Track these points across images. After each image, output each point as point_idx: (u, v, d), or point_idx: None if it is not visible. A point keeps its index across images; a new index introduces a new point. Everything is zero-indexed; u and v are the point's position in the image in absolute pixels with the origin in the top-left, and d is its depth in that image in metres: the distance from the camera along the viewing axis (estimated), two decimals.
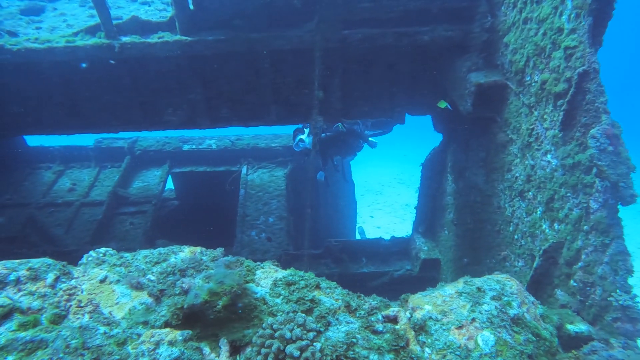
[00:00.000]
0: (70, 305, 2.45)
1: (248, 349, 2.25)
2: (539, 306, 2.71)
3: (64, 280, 2.63)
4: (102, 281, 2.61)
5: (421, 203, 6.83)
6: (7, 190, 7.40)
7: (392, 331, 2.36)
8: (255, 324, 2.34)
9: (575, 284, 3.23)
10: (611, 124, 3.00)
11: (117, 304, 2.50)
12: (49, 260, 2.72)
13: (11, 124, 5.52)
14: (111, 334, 2.20)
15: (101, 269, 2.69)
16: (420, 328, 2.42)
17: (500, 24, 4.36)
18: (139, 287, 2.55)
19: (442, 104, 5.09)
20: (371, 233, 14.37)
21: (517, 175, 4.16)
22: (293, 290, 2.54)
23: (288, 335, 2.15)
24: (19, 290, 2.50)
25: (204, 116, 5.50)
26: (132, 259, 2.77)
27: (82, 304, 2.46)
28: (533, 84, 3.79)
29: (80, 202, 7.31)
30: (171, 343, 2.15)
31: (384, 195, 20.15)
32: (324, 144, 6.98)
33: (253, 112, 5.55)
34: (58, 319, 2.36)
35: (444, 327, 2.39)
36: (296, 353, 2.08)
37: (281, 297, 2.52)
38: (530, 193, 3.92)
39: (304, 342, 2.14)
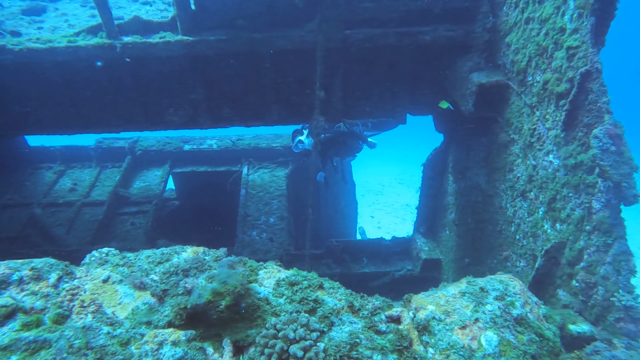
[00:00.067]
0: (73, 305, 2.45)
1: (251, 349, 2.25)
2: (542, 306, 2.70)
3: (66, 280, 2.63)
4: (105, 281, 2.61)
5: (422, 203, 6.83)
6: (8, 190, 7.39)
7: (395, 331, 2.36)
8: (259, 324, 2.34)
9: (577, 284, 3.22)
10: (614, 123, 3.00)
11: (120, 304, 2.50)
12: (52, 260, 2.72)
13: (13, 124, 5.52)
14: (114, 334, 2.20)
15: (104, 269, 2.69)
16: (424, 328, 2.42)
17: (502, 24, 4.36)
18: (142, 287, 2.55)
19: (444, 105, 5.08)
20: (372, 233, 14.36)
21: (518, 175, 4.16)
22: (296, 291, 2.54)
23: (291, 335, 2.15)
24: (22, 290, 2.50)
25: (205, 116, 5.50)
26: (135, 259, 2.77)
27: (85, 304, 2.46)
28: (535, 84, 3.79)
29: (81, 202, 7.31)
30: (174, 343, 2.15)
31: (385, 196, 20.15)
32: (323, 145, 6.99)
33: (254, 112, 5.55)
34: (61, 319, 2.36)
35: (447, 328, 2.39)
36: (300, 353, 2.08)
37: (284, 297, 2.52)
38: (532, 193, 3.92)
39: (307, 343, 2.14)
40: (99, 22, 4.81)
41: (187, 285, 2.33)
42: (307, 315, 2.33)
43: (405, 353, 2.26)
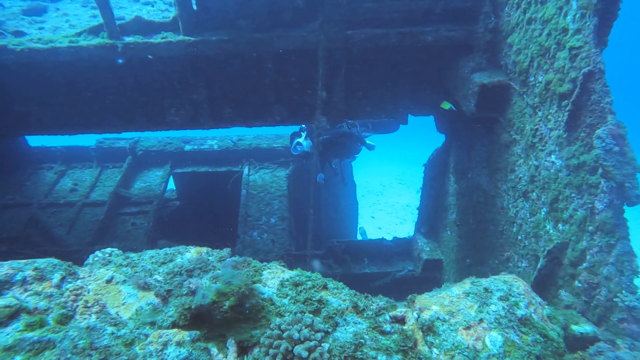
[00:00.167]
0: (77, 306, 2.44)
1: (256, 350, 2.24)
2: (546, 307, 2.70)
3: (69, 280, 2.63)
4: (108, 281, 2.61)
5: (423, 203, 6.83)
6: (9, 190, 7.39)
7: (400, 332, 2.36)
8: (263, 324, 2.34)
9: (580, 285, 3.23)
10: (617, 124, 3.00)
11: (124, 304, 2.49)
12: (55, 261, 2.72)
13: (14, 124, 5.51)
14: (119, 334, 2.20)
15: (107, 270, 2.69)
16: (428, 329, 2.42)
17: (504, 24, 4.36)
18: (145, 287, 2.54)
19: (446, 105, 5.08)
20: (372, 234, 14.37)
21: (520, 175, 4.15)
22: (300, 291, 2.54)
23: (296, 335, 2.15)
24: (25, 290, 2.50)
25: (206, 116, 5.49)
26: (139, 260, 2.77)
27: (88, 304, 2.45)
28: (537, 85, 3.79)
29: (82, 203, 7.30)
30: (179, 344, 2.15)
31: (385, 196, 20.16)
32: (322, 147, 6.99)
33: (256, 112, 5.54)
34: (65, 319, 2.36)
35: (451, 328, 2.39)
36: (304, 354, 2.08)
37: (288, 297, 2.52)
38: (534, 193, 3.92)
39: (312, 343, 2.14)
40: (100, 22, 4.80)
41: (191, 285, 2.33)
42: (311, 315, 2.33)
43: (410, 353, 2.26)
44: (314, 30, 4.74)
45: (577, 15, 3.24)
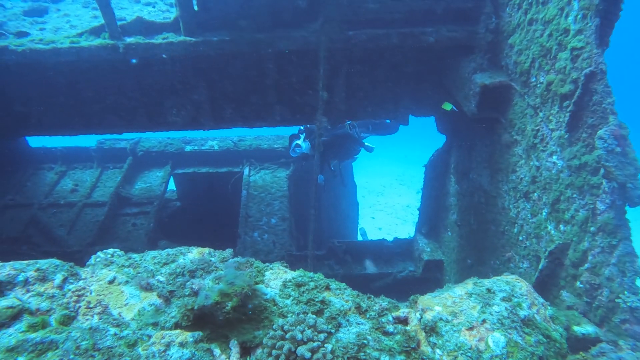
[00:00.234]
0: (80, 307, 2.44)
1: (258, 351, 2.24)
2: (549, 307, 2.70)
3: (71, 281, 2.63)
4: (110, 282, 2.61)
5: (424, 204, 6.83)
6: (9, 191, 7.39)
7: (403, 332, 2.36)
8: (266, 325, 2.34)
9: (581, 286, 3.22)
10: (618, 125, 3.00)
11: (126, 305, 2.49)
12: (57, 261, 2.72)
13: (15, 125, 5.52)
14: (121, 335, 2.20)
15: (110, 270, 2.69)
16: (431, 329, 2.42)
17: (505, 25, 4.36)
18: (148, 288, 2.54)
19: (447, 106, 5.08)
20: (373, 234, 14.38)
21: (522, 176, 4.16)
22: (303, 292, 2.54)
23: (299, 336, 2.15)
24: (28, 291, 2.50)
25: (208, 117, 5.50)
26: (141, 260, 2.77)
27: (91, 305, 2.45)
28: (538, 85, 3.79)
29: (82, 203, 7.29)
30: (182, 344, 2.15)
31: (385, 197, 20.16)
32: (321, 148, 6.99)
33: (257, 112, 5.55)
34: (67, 320, 2.35)
35: (454, 329, 2.39)
36: (307, 354, 2.08)
37: (291, 298, 2.52)
38: (535, 194, 3.92)
39: (315, 344, 2.14)
40: (101, 23, 4.81)
41: (193, 286, 2.33)
42: (314, 316, 2.33)
43: (413, 354, 2.26)
44: (315, 31, 4.74)
45: (579, 16, 3.24)
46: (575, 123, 3.30)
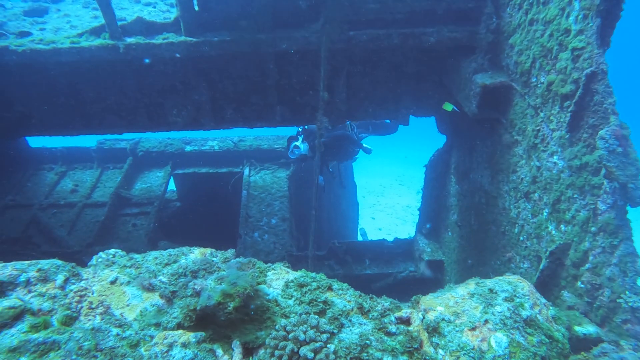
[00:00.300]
0: (81, 307, 2.44)
1: (261, 351, 2.24)
2: (551, 308, 2.70)
3: (73, 281, 2.62)
4: (112, 282, 2.61)
5: (425, 204, 6.84)
6: (9, 191, 7.38)
7: (405, 333, 2.36)
8: (268, 325, 2.34)
9: (582, 286, 3.22)
10: (620, 125, 3.00)
11: (128, 305, 2.49)
12: (59, 262, 2.71)
13: (16, 125, 5.51)
14: (124, 335, 2.19)
15: (111, 271, 2.69)
16: (434, 330, 2.42)
17: (505, 25, 4.36)
18: (150, 288, 2.54)
19: (448, 107, 5.08)
20: (373, 235, 14.38)
21: (522, 176, 4.16)
22: (305, 292, 2.54)
23: (302, 337, 2.15)
24: (29, 291, 2.49)
25: (208, 117, 5.49)
26: (142, 261, 2.77)
27: (93, 306, 2.45)
28: (539, 86, 3.79)
29: (82, 203, 7.29)
30: (184, 345, 2.14)
31: (385, 197, 20.17)
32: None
33: (258, 113, 5.55)
34: (69, 320, 2.35)
35: (457, 329, 2.39)
36: (310, 355, 2.08)
37: (293, 298, 2.52)
38: (536, 194, 3.92)
39: (317, 344, 2.14)
40: (101, 23, 4.81)
41: (196, 286, 2.33)
42: (316, 316, 2.33)
43: (416, 354, 2.26)
44: (316, 31, 4.74)
45: (580, 16, 3.25)
46: (576, 123, 3.30)
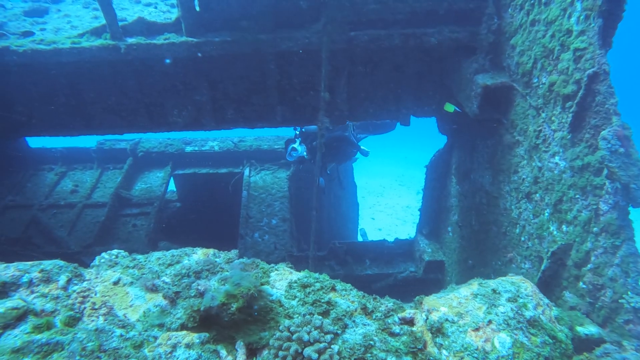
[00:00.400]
0: (85, 308, 2.44)
1: (265, 352, 2.24)
2: (554, 308, 2.71)
3: (76, 282, 2.62)
4: (115, 283, 2.60)
5: (425, 205, 6.83)
6: (10, 192, 7.37)
7: (409, 333, 2.36)
8: (272, 326, 2.34)
9: (584, 286, 3.22)
10: (622, 125, 3.00)
11: (131, 306, 2.49)
12: (61, 262, 2.71)
13: (16, 125, 5.50)
14: (127, 336, 2.19)
15: (114, 271, 2.68)
16: (437, 330, 2.42)
17: (507, 25, 4.37)
18: (153, 289, 2.53)
19: (450, 108, 5.08)
20: (373, 235, 14.39)
21: (523, 177, 4.16)
22: (309, 293, 2.53)
23: (306, 337, 2.15)
24: (32, 292, 2.49)
25: (209, 117, 5.49)
26: (145, 261, 2.76)
27: (96, 306, 2.45)
28: (541, 86, 3.80)
29: (82, 204, 7.28)
30: (188, 346, 2.14)
31: (385, 198, 20.18)
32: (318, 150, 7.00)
33: (259, 113, 5.55)
34: (72, 321, 2.35)
35: (460, 329, 2.39)
36: (314, 356, 2.07)
37: (297, 299, 2.52)
38: (537, 195, 3.92)
39: (321, 345, 2.14)
40: (102, 23, 4.80)
41: (199, 287, 2.32)
42: (320, 317, 2.33)
43: (420, 355, 2.26)
44: (317, 32, 4.74)
45: (582, 17, 3.25)
46: (578, 124, 3.31)
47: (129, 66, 5.10)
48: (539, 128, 3.84)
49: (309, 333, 2.17)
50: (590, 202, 3.19)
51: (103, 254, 2.86)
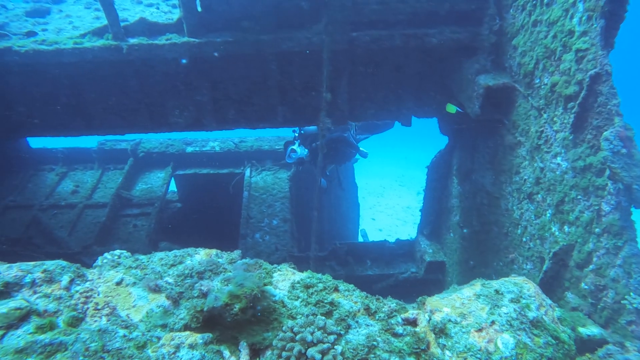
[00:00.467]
0: (87, 308, 2.44)
1: (268, 352, 2.24)
2: (557, 309, 2.71)
3: (78, 282, 2.62)
4: (118, 284, 2.60)
5: (426, 205, 6.83)
6: (10, 192, 7.36)
7: (412, 334, 2.36)
8: (275, 326, 2.33)
9: (586, 287, 3.22)
10: (624, 126, 3.00)
11: (134, 306, 2.48)
12: (64, 263, 2.71)
13: (17, 125, 5.50)
14: (130, 337, 2.19)
15: (117, 272, 2.68)
16: (441, 331, 2.42)
17: (508, 26, 4.37)
18: (156, 289, 2.53)
19: (452, 109, 5.08)
20: (373, 235, 14.38)
21: (525, 177, 4.16)
22: (312, 293, 2.53)
23: (309, 338, 2.15)
24: (35, 292, 2.49)
25: (210, 118, 5.49)
26: (148, 262, 2.76)
27: (99, 307, 2.45)
28: (542, 87, 3.80)
29: (83, 204, 7.28)
30: (191, 346, 2.14)
31: (386, 198, 20.18)
32: (316, 153, 7.00)
33: (260, 113, 5.55)
34: (75, 321, 2.35)
35: (463, 330, 2.39)
36: (318, 356, 2.07)
37: (300, 299, 2.52)
38: (539, 195, 3.92)
39: (325, 345, 2.14)
40: (103, 24, 4.81)
41: (202, 287, 2.32)
42: (323, 318, 2.32)
43: (423, 356, 2.26)
44: (318, 32, 4.75)
45: (584, 18, 3.25)
46: (580, 124, 3.31)
47: (131, 66, 5.10)
48: (541, 129, 3.84)
49: (312, 334, 2.17)
50: (592, 202, 3.19)
51: (105, 255, 2.86)
